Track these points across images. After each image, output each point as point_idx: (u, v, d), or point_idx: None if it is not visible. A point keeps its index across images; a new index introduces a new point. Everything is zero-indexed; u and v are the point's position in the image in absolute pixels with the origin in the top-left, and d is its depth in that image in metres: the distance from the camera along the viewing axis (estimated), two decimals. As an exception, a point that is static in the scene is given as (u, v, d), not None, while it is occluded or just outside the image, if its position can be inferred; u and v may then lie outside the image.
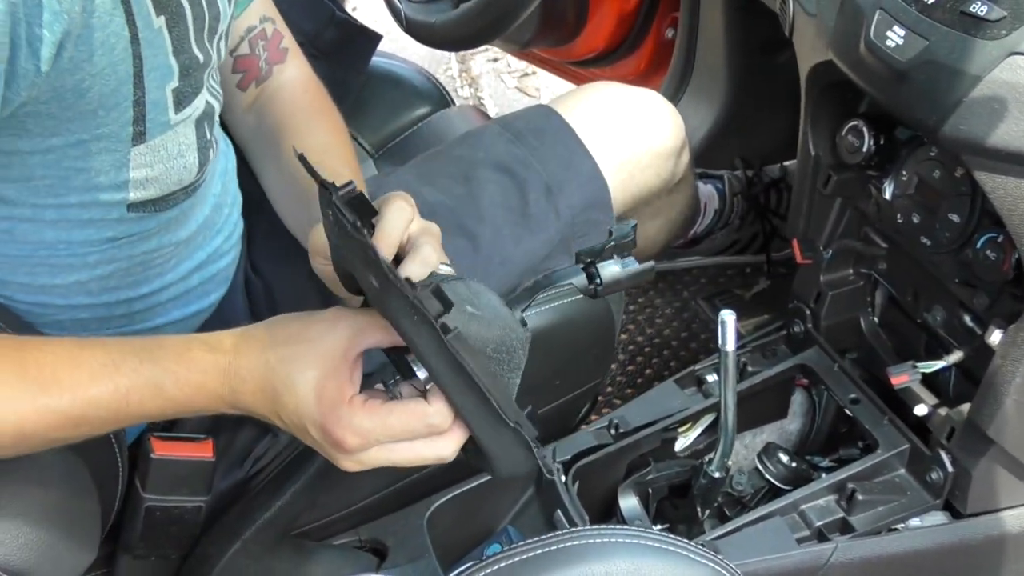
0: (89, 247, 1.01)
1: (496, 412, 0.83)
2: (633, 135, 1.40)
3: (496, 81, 3.11)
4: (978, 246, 1.17)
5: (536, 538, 1.01)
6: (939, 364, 1.26)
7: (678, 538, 1.03)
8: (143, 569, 1.17)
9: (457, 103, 1.70)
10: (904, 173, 1.26)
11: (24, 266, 1.01)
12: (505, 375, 0.85)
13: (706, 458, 1.30)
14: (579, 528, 1.01)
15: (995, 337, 1.16)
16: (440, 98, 1.67)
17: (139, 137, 0.95)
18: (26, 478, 0.91)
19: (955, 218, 1.19)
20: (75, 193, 0.96)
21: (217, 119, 1.08)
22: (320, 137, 1.15)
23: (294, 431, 0.90)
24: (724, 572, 1.03)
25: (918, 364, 1.26)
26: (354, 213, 0.83)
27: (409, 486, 1.31)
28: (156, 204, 1.02)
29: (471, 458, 0.90)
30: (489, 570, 0.95)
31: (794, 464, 1.33)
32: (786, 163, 1.92)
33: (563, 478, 1.31)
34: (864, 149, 1.28)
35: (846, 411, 1.38)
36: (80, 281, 1.04)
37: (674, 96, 1.94)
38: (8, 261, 1.00)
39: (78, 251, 1.01)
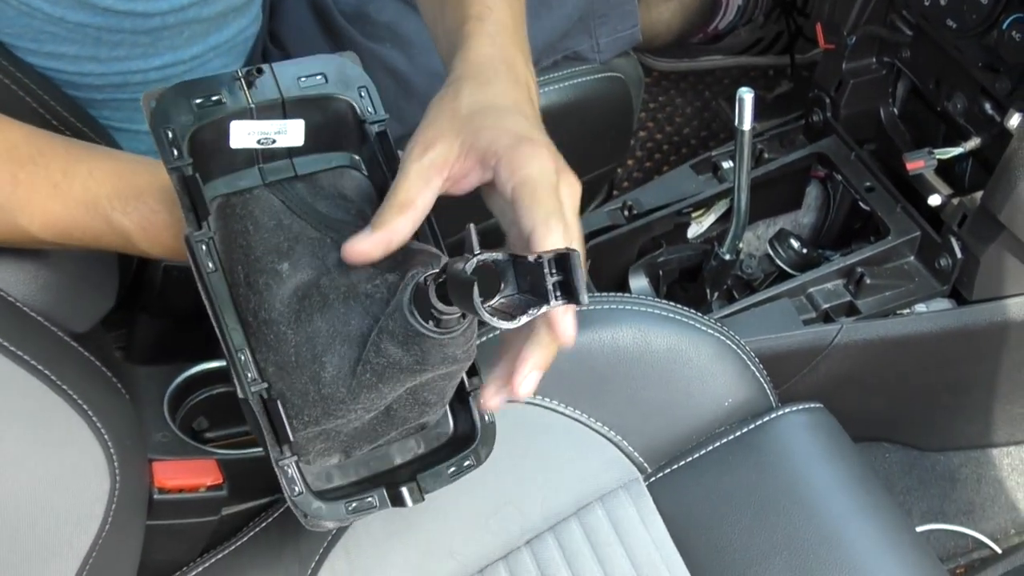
0: (80, 12, 0.98)
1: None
2: None
3: None
4: (1004, 27, 1.15)
5: (544, 303, 1.03)
6: (956, 150, 1.25)
7: (685, 308, 1.04)
8: (161, 329, 1.20)
9: None
10: (934, -47, 1.22)
11: (28, 31, 0.98)
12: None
13: (717, 242, 1.31)
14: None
15: (1014, 120, 1.16)
16: None
17: None
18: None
19: (983, -1, 1.16)
20: None
21: None
22: None
23: None
24: (729, 343, 1.04)
25: (935, 150, 1.26)
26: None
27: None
28: None
29: None
30: (493, 334, 0.96)
31: (805, 250, 1.34)
32: (815, -43, 1.87)
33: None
34: (895, -72, 1.25)
35: (859, 204, 1.38)
36: (85, 51, 1.02)
37: None
38: (10, 22, 0.98)
39: (71, 18, 0.98)
